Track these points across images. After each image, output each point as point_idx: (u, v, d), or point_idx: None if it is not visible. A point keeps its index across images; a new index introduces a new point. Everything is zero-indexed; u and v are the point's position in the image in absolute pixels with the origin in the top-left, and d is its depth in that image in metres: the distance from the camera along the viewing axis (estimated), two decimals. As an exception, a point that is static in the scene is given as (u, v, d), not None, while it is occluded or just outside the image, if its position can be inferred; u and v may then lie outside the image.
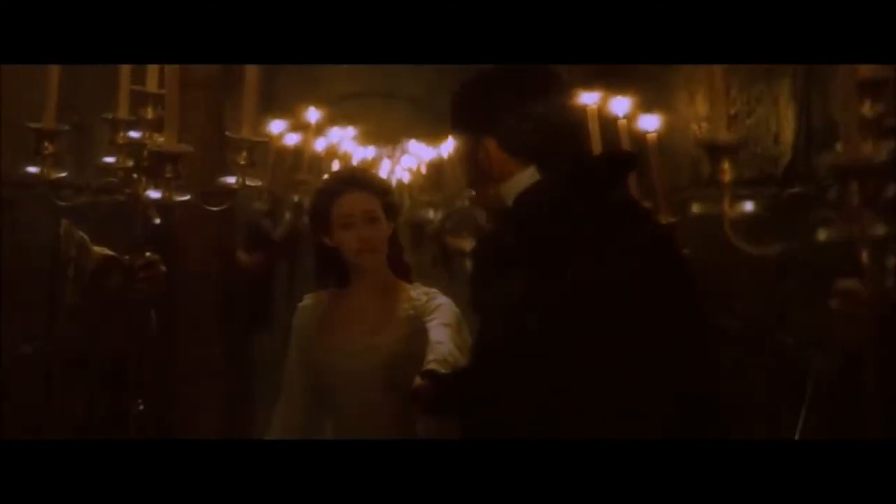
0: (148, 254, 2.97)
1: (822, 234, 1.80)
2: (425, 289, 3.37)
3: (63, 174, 2.82)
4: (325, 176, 4.54)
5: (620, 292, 2.31)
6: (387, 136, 7.81)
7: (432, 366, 2.90)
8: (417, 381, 2.83)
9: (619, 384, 2.28)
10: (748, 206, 2.16)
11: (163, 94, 2.75)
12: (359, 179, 3.39)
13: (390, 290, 3.34)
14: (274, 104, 5.80)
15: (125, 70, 2.84)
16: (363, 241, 3.26)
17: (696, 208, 1.97)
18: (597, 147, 3.11)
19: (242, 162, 2.80)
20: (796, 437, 2.39)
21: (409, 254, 3.62)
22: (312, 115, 5.10)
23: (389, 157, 7.80)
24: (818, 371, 2.35)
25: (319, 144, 5.59)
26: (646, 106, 3.35)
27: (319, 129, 5.45)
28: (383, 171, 7.24)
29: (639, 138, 3.29)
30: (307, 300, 3.45)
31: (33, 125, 2.77)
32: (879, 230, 1.80)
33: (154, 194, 2.74)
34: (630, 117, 3.33)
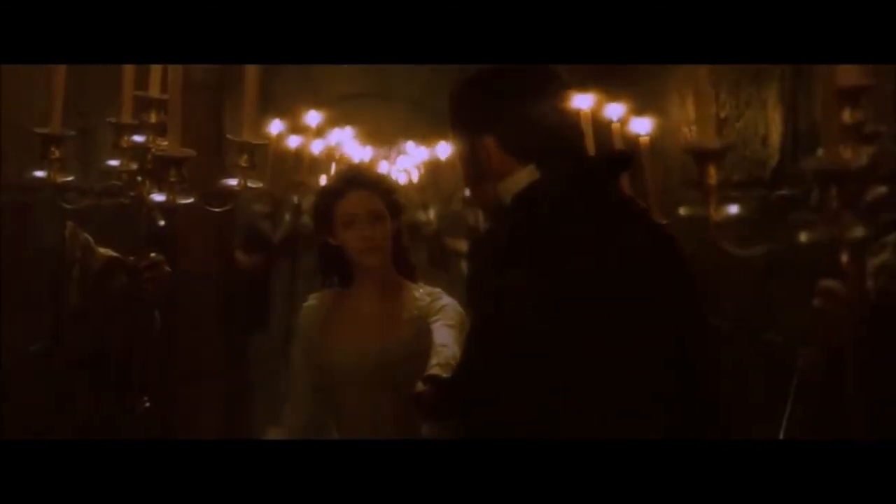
0: (153, 255, 3.00)
1: (803, 237, 1.87)
2: (430, 289, 3.35)
3: (69, 178, 2.86)
4: (328, 176, 4.54)
5: (620, 291, 2.32)
6: (384, 136, 7.83)
7: (435, 370, 2.89)
8: (419, 386, 2.82)
9: (619, 384, 2.28)
10: (734, 209, 2.21)
11: (165, 99, 2.80)
12: (363, 178, 3.38)
13: (394, 290, 3.33)
14: (271, 105, 5.83)
15: (128, 75, 2.88)
16: (367, 240, 3.25)
17: (683, 211, 2.02)
18: (591, 148, 3.10)
19: (244, 164, 2.84)
20: (781, 431, 2.43)
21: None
22: (313, 118, 5.13)
23: (386, 157, 7.81)
24: (803, 367, 2.40)
25: (318, 146, 5.62)
26: (638, 109, 3.38)
27: (319, 131, 5.48)
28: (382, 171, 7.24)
29: (631, 141, 3.32)
30: (311, 300, 3.43)
31: (40, 130, 2.82)
32: (858, 232, 1.86)
33: (158, 197, 2.78)
34: (623, 120, 3.35)
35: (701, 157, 1.97)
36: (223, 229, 4.75)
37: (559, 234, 2.35)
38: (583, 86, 3.17)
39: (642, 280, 2.35)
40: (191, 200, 2.79)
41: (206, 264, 4.58)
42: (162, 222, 2.88)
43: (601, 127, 3.30)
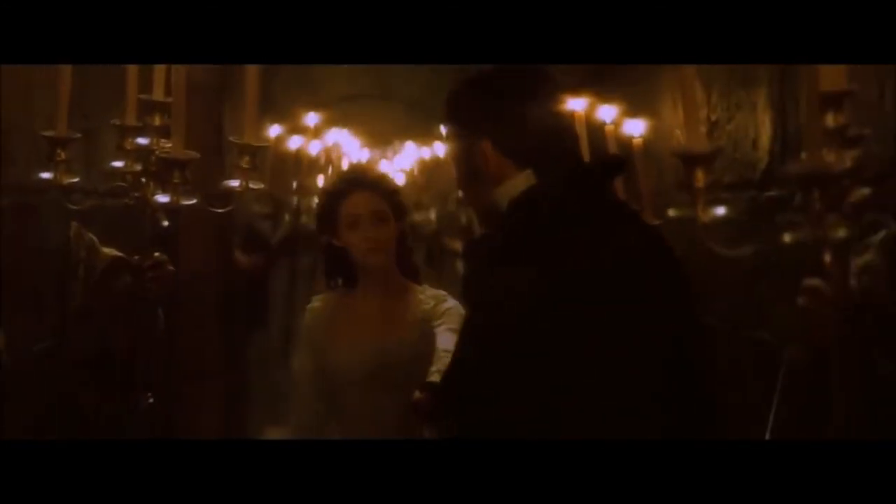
0: (156, 254, 3.04)
1: (787, 237, 1.92)
2: (434, 291, 3.33)
3: (75, 179, 2.91)
4: (332, 176, 4.51)
5: (615, 293, 2.30)
6: (382, 137, 7.85)
7: (434, 377, 2.88)
8: (417, 394, 2.81)
9: (615, 384, 2.27)
10: (721, 211, 2.26)
11: (168, 102, 2.86)
12: (366, 179, 3.35)
13: (399, 292, 3.31)
14: (270, 106, 5.87)
15: (132, 78, 2.93)
16: (371, 241, 3.22)
17: (671, 212, 2.07)
18: (585, 151, 3.10)
19: (245, 166, 2.86)
20: (768, 428, 2.47)
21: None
22: (311, 119, 5.17)
23: (385, 157, 7.83)
24: (789, 364, 2.45)
25: (316, 147, 5.66)
26: (632, 111, 3.40)
27: (317, 132, 5.52)
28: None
29: (625, 143, 3.33)
30: (315, 302, 3.41)
31: (47, 133, 2.86)
32: (841, 233, 1.92)
33: (162, 198, 2.83)
34: (617, 122, 3.36)
35: (689, 160, 2.02)
36: (223, 230, 4.80)
37: (556, 238, 2.33)
38: (577, 88, 3.19)
39: (637, 282, 2.33)
40: (194, 201, 2.83)
41: (207, 264, 4.63)
42: (166, 223, 2.92)
43: (595, 129, 3.31)
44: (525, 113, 2.45)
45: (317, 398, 3.32)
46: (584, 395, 2.26)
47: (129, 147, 2.94)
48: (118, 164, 2.99)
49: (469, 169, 2.51)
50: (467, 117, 2.53)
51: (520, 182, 2.43)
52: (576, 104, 3.19)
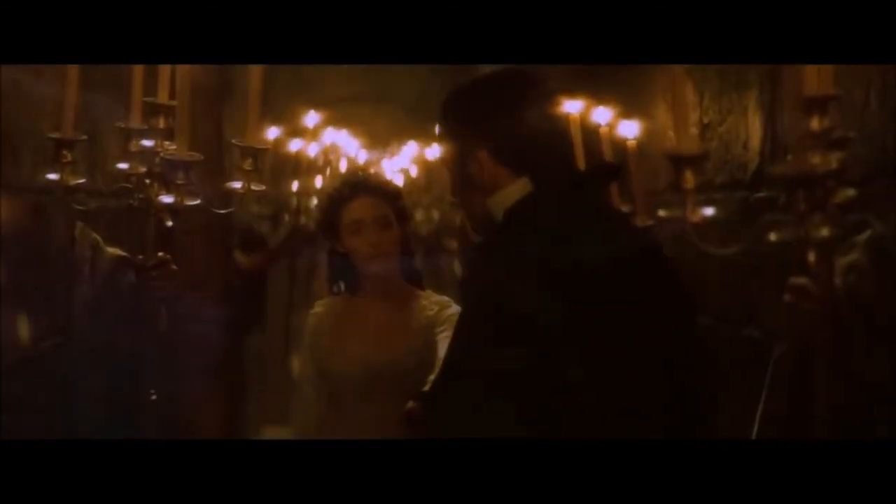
0: (160, 254, 3.09)
1: (773, 236, 1.99)
2: (437, 297, 3.31)
3: (81, 180, 2.95)
4: (334, 180, 4.50)
5: (614, 301, 2.29)
6: (380, 138, 7.87)
7: (430, 386, 2.84)
8: (410, 403, 2.81)
9: (617, 390, 2.26)
10: (713, 211, 2.31)
11: (171, 105, 2.92)
12: (369, 184, 3.33)
13: (402, 298, 3.29)
14: (267, 108, 5.90)
15: (137, 81, 2.98)
16: (374, 246, 3.20)
17: (662, 212, 2.13)
18: (580, 155, 3.09)
19: (247, 167, 2.90)
20: (757, 419, 2.51)
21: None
22: (311, 119, 5.20)
23: (383, 159, 7.86)
24: (777, 359, 2.50)
25: (314, 148, 5.69)
26: (626, 112, 3.39)
27: (314, 133, 5.55)
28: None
29: (619, 145, 3.32)
30: (318, 307, 3.40)
31: (53, 135, 2.91)
32: (824, 232, 1.98)
33: (166, 199, 2.88)
34: (611, 124, 3.34)
35: (678, 162, 2.07)
36: (223, 231, 4.84)
37: (552, 246, 2.31)
38: (572, 90, 3.19)
39: (633, 288, 2.33)
40: (197, 202, 2.89)
41: (207, 264, 4.67)
42: (170, 223, 2.97)
43: (589, 131, 3.30)
44: (521, 120, 2.43)
45: (319, 404, 3.32)
46: (584, 401, 2.25)
47: (134, 149, 2.98)
48: (123, 165, 3.03)
49: (463, 176, 2.49)
50: (462, 125, 2.50)
51: (515, 190, 2.41)
52: (571, 107, 3.18)
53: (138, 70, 2.97)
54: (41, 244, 3.25)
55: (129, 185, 3.03)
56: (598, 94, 3.40)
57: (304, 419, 3.35)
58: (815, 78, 2.08)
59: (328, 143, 6.06)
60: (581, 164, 2.98)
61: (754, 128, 3.43)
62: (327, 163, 6.04)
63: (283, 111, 5.55)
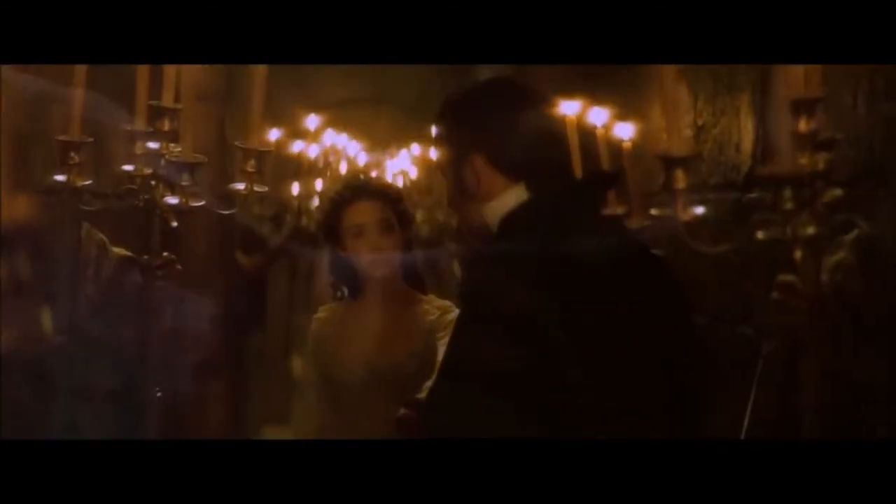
0: (165, 254, 3.12)
1: (760, 235, 2.05)
2: (440, 302, 3.32)
3: (88, 182, 2.99)
4: (336, 183, 4.52)
5: (613, 306, 2.30)
6: (379, 140, 7.90)
7: (424, 393, 2.82)
8: (402, 410, 2.82)
9: (618, 394, 2.26)
10: (706, 211, 2.36)
11: (175, 109, 2.97)
12: (370, 187, 3.34)
13: (403, 302, 3.29)
14: (267, 110, 5.94)
15: (142, 85, 3.03)
16: (376, 250, 3.21)
17: (654, 212, 2.18)
18: (576, 159, 2.95)
19: (251, 169, 2.92)
20: (747, 414, 2.57)
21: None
22: (312, 121, 5.24)
23: (382, 161, 7.88)
24: (766, 355, 2.55)
25: (314, 151, 5.74)
26: (623, 114, 3.48)
27: (316, 136, 5.60)
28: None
29: (616, 146, 3.42)
30: (321, 313, 3.41)
31: (61, 138, 2.95)
32: (810, 231, 2.04)
33: (172, 200, 2.93)
34: (607, 126, 3.40)
35: (669, 163, 2.13)
36: (226, 232, 4.89)
37: (549, 254, 2.30)
38: (568, 91, 3.24)
39: (631, 291, 2.35)
40: (202, 203, 2.93)
41: (210, 264, 4.72)
42: (175, 223, 3.02)
43: (586, 133, 3.39)
44: (516, 127, 2.43)
45: (321, 409, 3.34)
46: (582, 403, 2.25)
47: (139, 151, 3.02)
48: (128, 167, 3.06)
49: (459, 184, 2.47)
50: (457, 133, 2.49)
51: (511, 197, 2.41)
52: (567, 108, 3.26)
53: (143, 74, 3.02)
54: (50, 244, 3.30)
55: (134, 187, 3.06)
56: (594, 95, 3.42)
57: (306, 424, 3.38)
58: (802, 80, 2.13)
59: (328, 145, 6.10)
60: (578, 169, 2.90)
61: (747, 130, 3.49)
62: (327, 165, 6.08)
63: (284, 113, 5.59)
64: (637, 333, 2.31)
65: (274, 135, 5.01)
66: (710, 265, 3.25)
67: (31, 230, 3.13)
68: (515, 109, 2.45)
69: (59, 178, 2.98)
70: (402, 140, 7.61)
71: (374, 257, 3.23)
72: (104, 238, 3.37)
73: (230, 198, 3.03)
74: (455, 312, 3.16)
